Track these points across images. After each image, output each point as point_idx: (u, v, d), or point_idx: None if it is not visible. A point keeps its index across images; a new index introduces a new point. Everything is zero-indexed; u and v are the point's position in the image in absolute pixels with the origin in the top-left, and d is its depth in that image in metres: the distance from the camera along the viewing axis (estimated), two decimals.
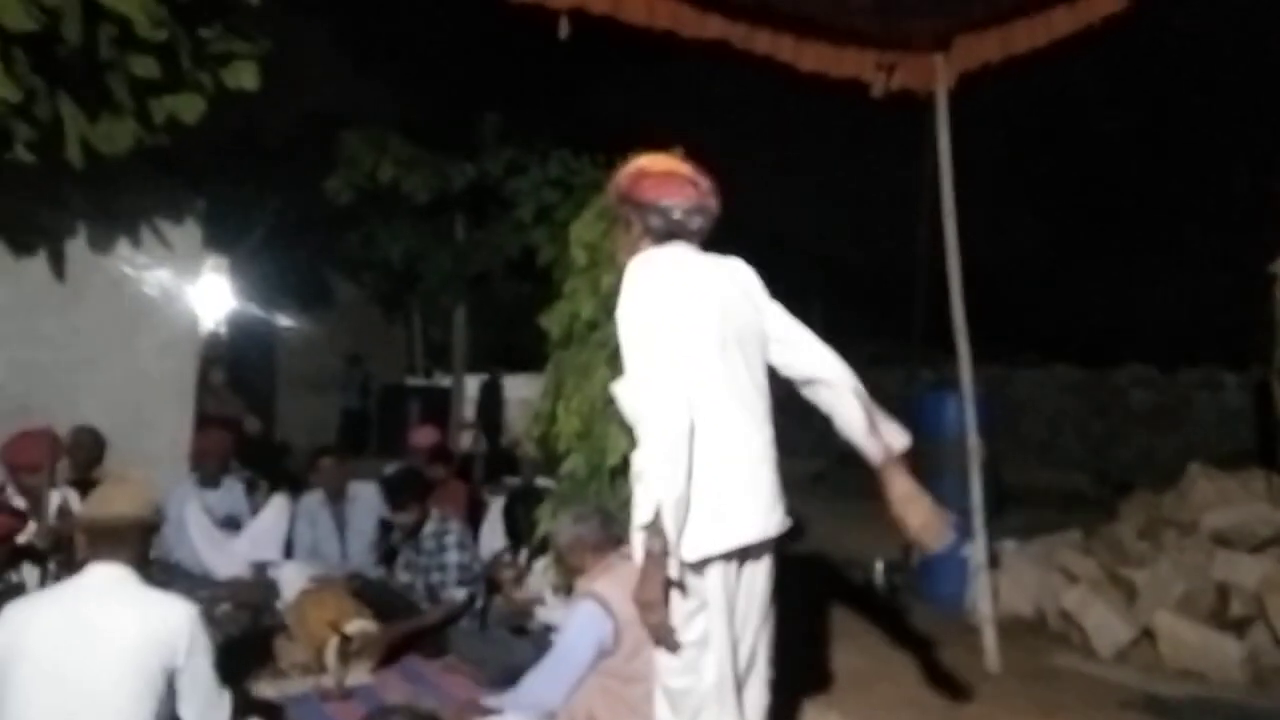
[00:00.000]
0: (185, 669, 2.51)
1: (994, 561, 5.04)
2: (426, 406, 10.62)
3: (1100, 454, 10.53)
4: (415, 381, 12.42)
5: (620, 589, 3.10)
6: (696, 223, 2.54)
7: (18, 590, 3.64)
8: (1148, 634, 4.80)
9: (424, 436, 6.35)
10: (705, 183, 2.59)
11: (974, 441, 4.68)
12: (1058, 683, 4.44)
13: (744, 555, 2.46)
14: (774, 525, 2.47)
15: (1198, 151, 10.07)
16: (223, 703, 2.63)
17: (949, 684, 4.22)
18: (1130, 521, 5.59)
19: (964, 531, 4.96)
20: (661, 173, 2.59)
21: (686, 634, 2.39)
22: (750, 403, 2.47)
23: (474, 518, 5.53)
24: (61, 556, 3.90)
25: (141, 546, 2.63)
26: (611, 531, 3.36)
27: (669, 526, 2.26)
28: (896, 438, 2.54)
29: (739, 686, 2.47)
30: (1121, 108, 10.80)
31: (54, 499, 4.22)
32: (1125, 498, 6.01)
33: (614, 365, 4.23)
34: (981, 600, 4.63)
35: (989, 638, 4.53)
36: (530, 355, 5.24)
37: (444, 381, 10.74)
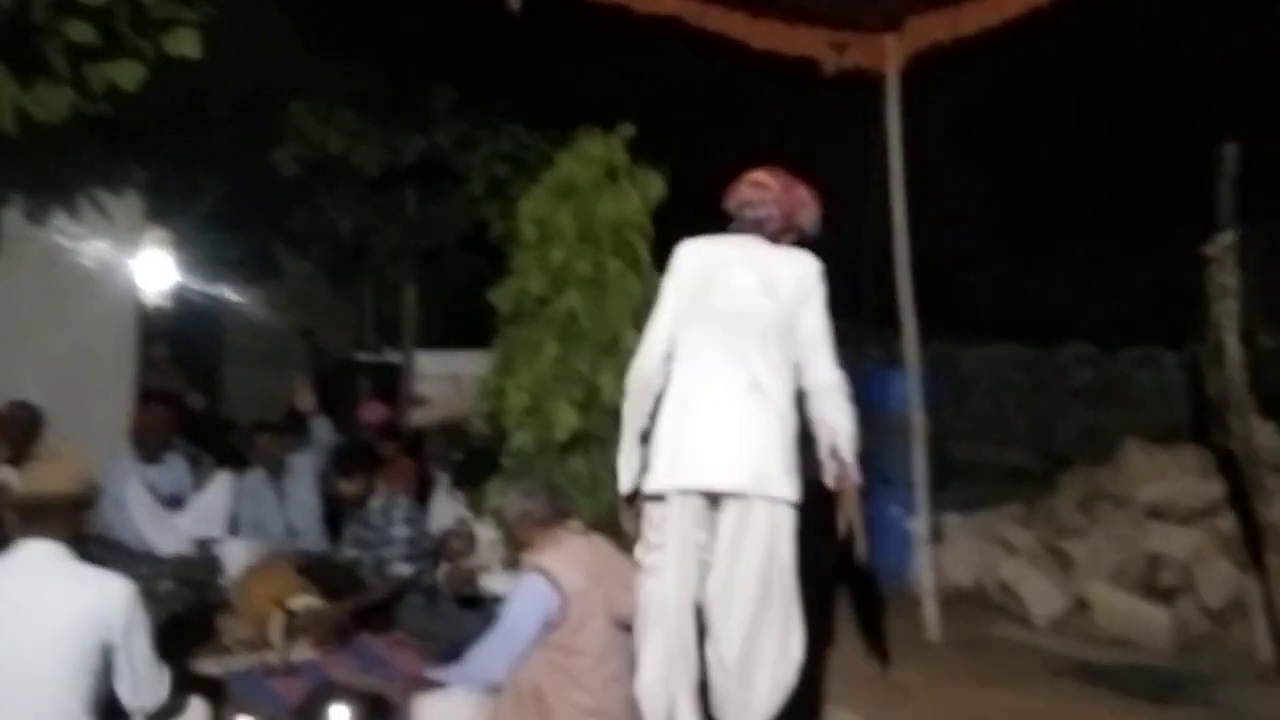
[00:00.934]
0: (122, 646, 2.48)
1: (937, 535, 5.15)
2: (376, 382, 10.50)
3: (1043, 430, 10.76)
4: (365, 357, 12.26)
5: (567, 563, 3.13)
6: (750, 213, 3.01)
7: None
8: (1082, 604, 4.96)
9: (373, 412, 6.30)
10: (774, 182, 3.02)
11: (918, 417, 4.76)
12: (995, 652, 4.57)
13: (713, 503, 2.84)
14: (736, 482, 2.80)
15: (1141, 134, 10.27)
16: (161, 680, 2.60)
17: (890, 654, 4.32)
18: (1068, 495, 5.74)
19: (908, 505, 5.07)
20: (738, 181, 3.06)
21: (645, 560, 2.91)
22: (732, 371, 2.84)
23: (423, 494, 5.50)
24: None
25: (74, 523, 2.58)
26: (559, 506, 3.37)
27: (622, 453, 2.99)
28: (852, 474, 2.92)
29: (709, 634, 2.84)
30: (1068, 91, 10.97)
31: None
32: (1064, 472, 6.17)
33: (563, 341, 4.23)
34: (924, 572, 4.74)
35: (930, 609, 4.63)
36: (481, 331, 5.21)
37: (394, 357, 10.62)
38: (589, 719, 3.06)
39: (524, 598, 3.11)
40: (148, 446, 5.13)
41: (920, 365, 4.81)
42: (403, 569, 4.48)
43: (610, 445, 4.11)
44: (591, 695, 3.07)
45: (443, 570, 4.52)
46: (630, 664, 3.19)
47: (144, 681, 2.54)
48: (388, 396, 8.49)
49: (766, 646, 2.86)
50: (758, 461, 2.81)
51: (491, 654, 3.13)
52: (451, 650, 3.53)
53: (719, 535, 2.86)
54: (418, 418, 9.39)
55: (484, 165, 8.50)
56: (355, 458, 4.77)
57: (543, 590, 3.06)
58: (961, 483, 7.31)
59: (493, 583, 4.23)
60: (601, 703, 3.08)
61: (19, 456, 4.48)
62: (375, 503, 4.64)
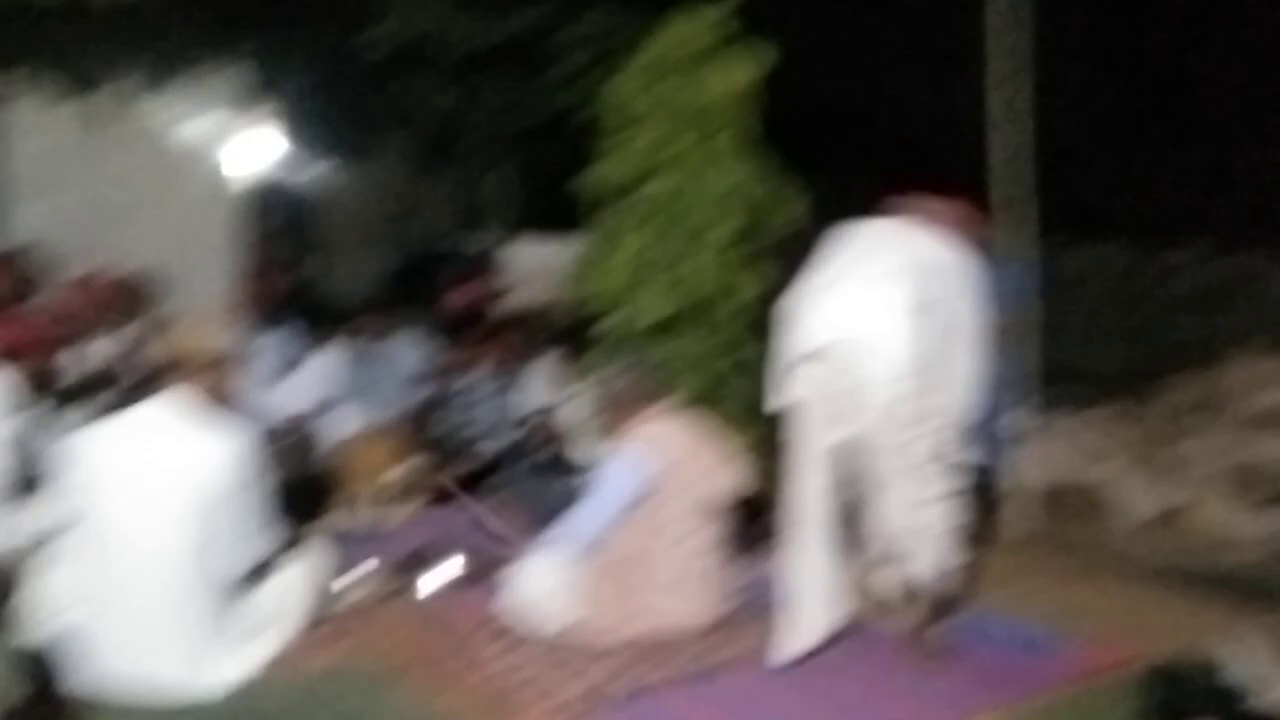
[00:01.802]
0: (232, 497, 2.62)
1: (1032, 433, 5.08)
2: (467, 267, 10.64)
3: (1150, 333, 10.40)
4: (456, 243, 12.43)
5: (659, 439, 3.18)
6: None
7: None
8: (1175, 509, 4.87)
9: (463, 295, 6.40)
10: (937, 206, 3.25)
11: (1020, 315, 4.66)
12: (1080, 553, 4.53)
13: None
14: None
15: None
16: (263, 536, 2.73)
17: (972, 551, 4.33)
18: (1168, 400, 5.60)
19: (1002, 403, 5.00)
20: None
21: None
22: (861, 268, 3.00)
23: (515, 376, 5.62)
24: (131, 386, 4.04)
25: (217, 379, 2.72)
26: (651, 386, 3.41)
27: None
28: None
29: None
30: None
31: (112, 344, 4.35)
32: (1167, 377, 5.98)
33: (646, 228, 4.20)
34: (1018, 471, 4.70)
35: (1018, 508, 4.62)
36: (572, 217, 5.20)
37: (485, 243, 10.71)
38: (666, 594, 3.14)
39: (620, 468, 3.17)
40: (259, 315, 5.31)
41: (1026, 262, 4.67)
42: (496, 444, 4.64)
43: (700, 329, 4.15)
44: (671, 571, 3.15)
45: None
46: (710, 543, 3.28)
47: (245, 535, 2.68)
48: (479, 281, 8.61)
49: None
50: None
51: (586, 520, 3.18)
52: (545, 518, 3.66)
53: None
54: (509, 302, 9.53)
55: (574, 47, 8.33)
56: (452, 335, 4.91)
57: (637, 462, 3.12)
58: (1059, 383, 7.15)
59: (584, 454, 4.32)
60: (680, 578, 3.16)
61: (136, 326, 4.70)
62: (469, 381, 4.78)
